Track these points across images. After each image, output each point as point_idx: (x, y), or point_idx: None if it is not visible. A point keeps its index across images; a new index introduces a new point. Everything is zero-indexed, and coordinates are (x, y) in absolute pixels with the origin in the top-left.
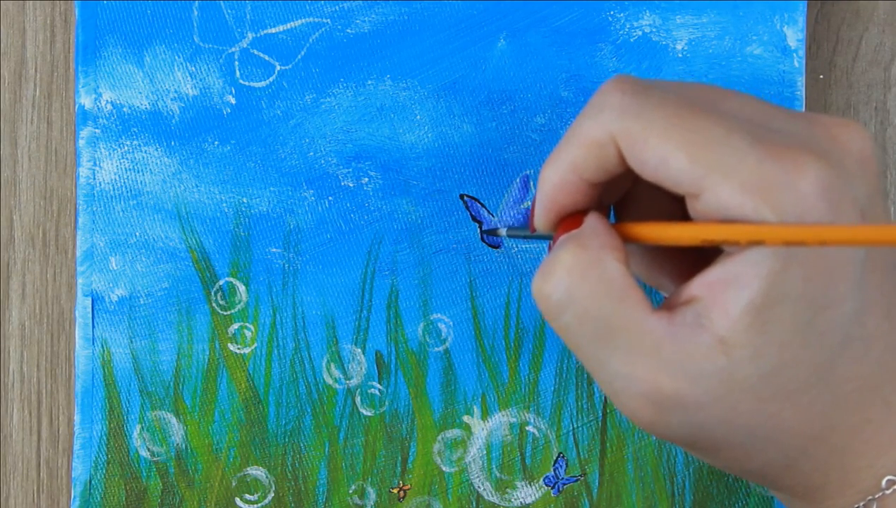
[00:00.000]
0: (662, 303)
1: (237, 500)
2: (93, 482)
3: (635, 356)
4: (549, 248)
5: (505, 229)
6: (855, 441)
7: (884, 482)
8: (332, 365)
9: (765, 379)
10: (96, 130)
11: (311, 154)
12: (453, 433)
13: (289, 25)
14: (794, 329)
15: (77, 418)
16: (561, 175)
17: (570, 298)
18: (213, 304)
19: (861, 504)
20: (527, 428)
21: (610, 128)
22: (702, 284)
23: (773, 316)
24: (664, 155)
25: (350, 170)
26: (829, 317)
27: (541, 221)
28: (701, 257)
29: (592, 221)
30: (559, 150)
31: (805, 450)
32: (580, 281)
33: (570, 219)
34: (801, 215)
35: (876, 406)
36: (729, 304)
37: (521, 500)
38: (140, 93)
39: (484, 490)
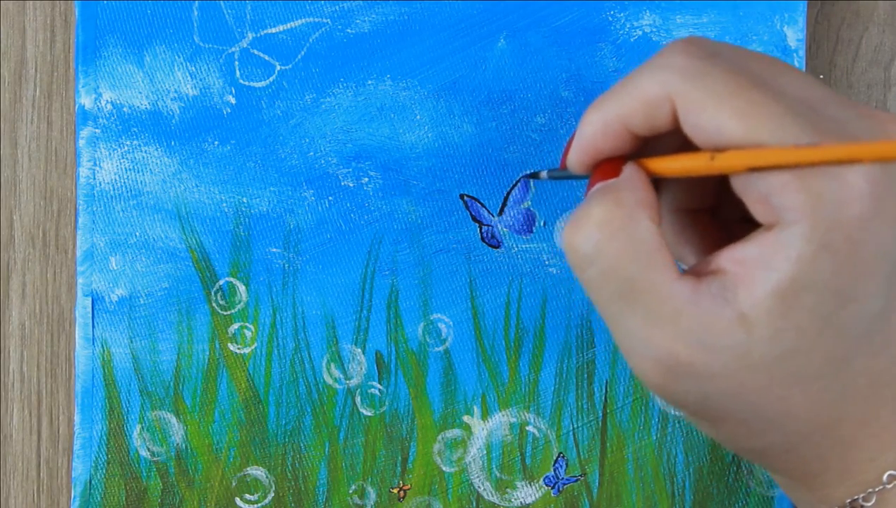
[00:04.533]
0: (689, 269)
1: (237, 500)
2: (93, 482)
3: (655, 319)
4: (586, 191)
5: (546, 172)
6: (860, 435)
7: (885, 476)
8: (332, 365)
9: (780, 361)
10: (96, 130)
11: (311, 154)
12: (453, 433)
13: (289, 25)
14: (816, 317)
15: (77, 418)
16: (606, 120)
17: (597, 254)
18: (213, 304)
19: (860, 495)
20: (527, 428)
21: (669, 88)
22: (731, 258)
23: (797, 302)
24: (719, 124)
25: (350, 170)
26: (852, 310)
27: (574, 161)
28: (729, 234)
29: (630, 173)
30: (608, 97)
31: (808, 437)
32: (610, 238)
33: (607, 165)
34: (842, 204)
35: (886, 403)
36: (756, 283)
37: (521, 500)
38: (140, 93)
39: (484, 490)
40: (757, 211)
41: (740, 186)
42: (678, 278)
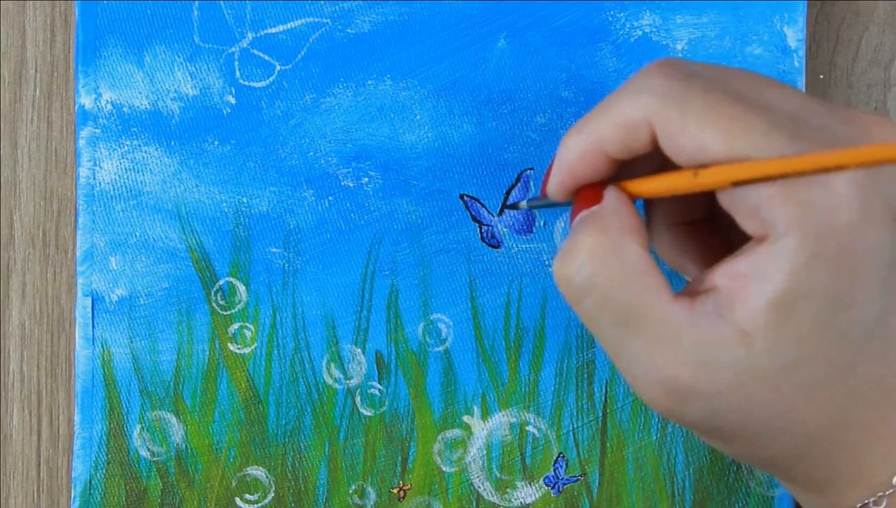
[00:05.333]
0: (684, 289)
1: (237, 500)
2: (93, 482)
3: (654, 343)
4: (570, 220)
5: (526, 201)
6: (868, 439)
7: (894, 479)
8: (332, 365)
9: (783, 372)
10: (96, 130)
11: (311, 154)
12: (453, 433)
13: (289, 25)
14: (814, 325)
15: (77, 418)
16: (584, 146)
17: (590, 284)
18: (213, 304)
19: (871, 499)
20: (527, 428)
21: (647, 111)
22: (725, 274)
23: (794, 312)
24: (702, 143)
25: (350, 170)
26: (850, 316)
27: (554, 188)
28: (727, 243)
29: (612, 199)
30: (587, 122)
31: (818, 444)
32: (601, 267)
33: (588, 191)
34: (831, 211)
35: (892, 406)
36: (751, 297)
37: (521, 500)
38: (140, 93)
39: (484, 490)
40: (746, 225)
41: (727, 202)
42: (673, 300)
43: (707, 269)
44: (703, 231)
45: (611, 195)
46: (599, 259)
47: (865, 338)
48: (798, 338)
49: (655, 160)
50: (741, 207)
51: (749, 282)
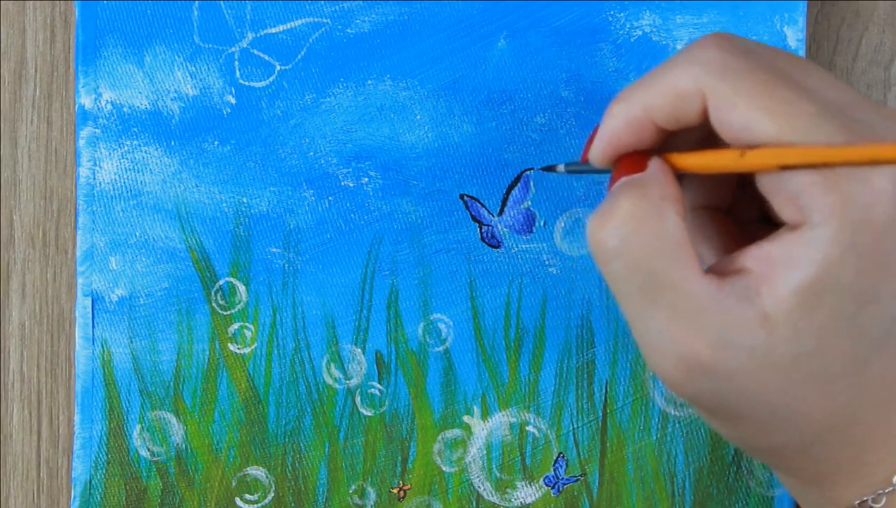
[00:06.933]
0: (712, 267)
1: (237, 500)
2: (93, 482)
3: (677, 316)
4: (609, 185)
5: (564, 165)
6: (873, 437)
7: (894, 478)
8: (332, 365)
9: (799, 361)
10: (96, 130)
11: (311, 154)
12: (453, 433)
13: (289, 25)
14: (837, 317)
15: (77, 418)
16: (632, 113)
17: (623, 247)
18: (213, 304)
19: (870, 497)
20: (527, 428)
21: (700, 83)
22: (756, 257)
23: (820, 302)
24: (750, 121)
25: (350, 170)
26: (873, 313)
27: (597, 154)
28: (745, 233)
29: (656, 168)
30: (635, 89)
31: (821, 437)
32: (636, 232)
33: (632, 159)
34: (869, 206)
35: None
36: (780, 282)
37: (521, 500)
38: (140, 93)
39: (484, 490)
40: (784, 210)
41: (767, 185)
42: (702, 275)
43: (738, 251)
44: (724, 218)
45: (655, 164)
46: (636, 224)
47: (884, 337)
48: (819, 329)
49: (695, 135)
50: (781, 192)
51: (779, 268)
